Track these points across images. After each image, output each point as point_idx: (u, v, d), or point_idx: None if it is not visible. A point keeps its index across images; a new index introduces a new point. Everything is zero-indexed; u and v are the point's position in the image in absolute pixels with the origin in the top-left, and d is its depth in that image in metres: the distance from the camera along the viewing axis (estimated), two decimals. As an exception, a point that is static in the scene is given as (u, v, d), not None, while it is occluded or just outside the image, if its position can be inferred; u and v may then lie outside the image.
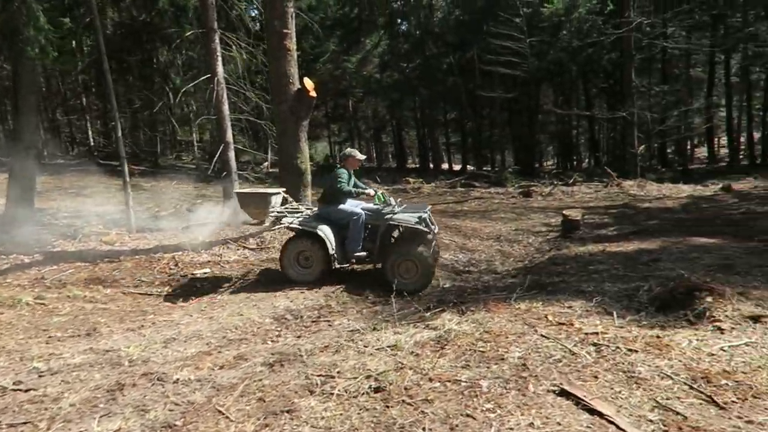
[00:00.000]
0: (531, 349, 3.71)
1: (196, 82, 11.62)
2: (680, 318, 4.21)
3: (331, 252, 6.10)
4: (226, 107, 10.09)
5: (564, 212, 9.38)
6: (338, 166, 6.72)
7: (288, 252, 6.30)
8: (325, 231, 6.13)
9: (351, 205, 6.47)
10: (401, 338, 4.12)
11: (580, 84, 28.73)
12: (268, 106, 10.95)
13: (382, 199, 6.41)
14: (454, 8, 27.15)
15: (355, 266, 7.05)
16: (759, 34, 23.51)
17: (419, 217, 6.23)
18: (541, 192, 15.47)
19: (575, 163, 32.42)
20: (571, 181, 16.68)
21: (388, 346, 4.00)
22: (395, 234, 6.76)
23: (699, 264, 6.22)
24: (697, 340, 3.70)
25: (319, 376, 3.53)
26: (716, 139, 33.84)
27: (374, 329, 4.56)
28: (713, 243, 7.71)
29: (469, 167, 28.36)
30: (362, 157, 6.81)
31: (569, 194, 15.09)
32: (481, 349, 3.77)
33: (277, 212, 6.66)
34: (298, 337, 4.78)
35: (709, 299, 4.28)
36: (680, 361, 3.39)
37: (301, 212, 6.64)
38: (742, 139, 30.77)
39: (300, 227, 6.23)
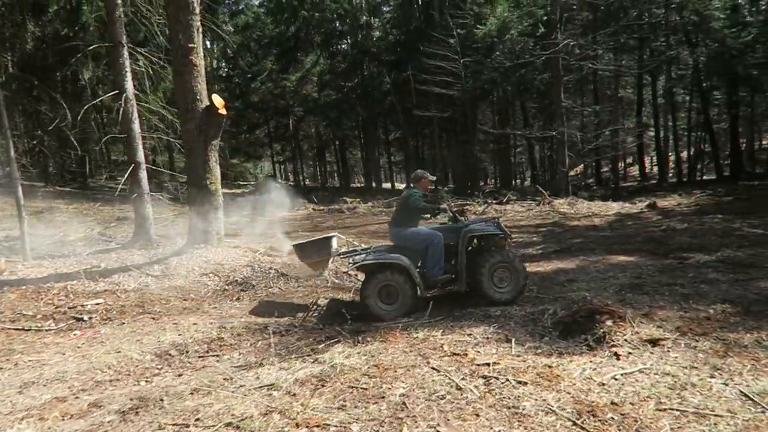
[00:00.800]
0: (416, 384, 3.42)
1: (101, 98, 10.97)
2: (581, 343, 4.05)
3: (417, 280, 5.58)
4: (136, 125, 9.53)
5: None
6: (411, 187, 6.42)
7: (369, 290, 5.57)
8: (405, 260, 5.59)
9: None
10: (283, 375, 3.77)
11: (517, 104, 29.46)
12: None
13: (452, 216, 6.02)
14: (390, 28, 27.37)
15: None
16: (681, 58, 24.81)
17: (496, 225, 5.93)
18: (474, 212, 15.48)
19: (517, 182, 33.12)
20: (505, 199, 16.82)
21: (266, 385, 3.64)
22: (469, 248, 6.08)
23: (612, 284, 6.18)
24: (591, 368, 3.52)
25: (173, 425, 3.12)
26: (648, 158, 35.38)
27: (260, 365, 4.17)
28: (630, 261, 7.75)
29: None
30: (433, 178, 6.32)
31: (502, 213, 15.17)
32: (363, 386, 3.46)
33: (345, 252, 6.11)
34: (179, 375, 4.32)
35: (609, 323, 4.14)
36: (569, 393, 3.18)
37: (362, 249, 6.03)
38: (672, 158, 32.26)
39: (378, 261, 5.62)
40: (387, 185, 35.72)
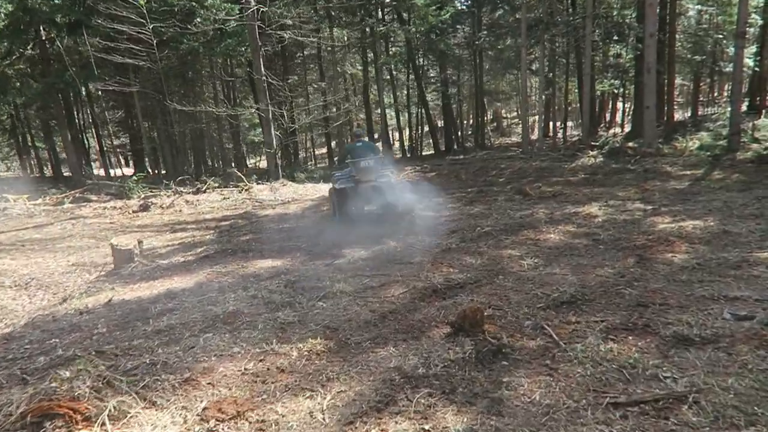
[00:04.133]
0: None
1: None
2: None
3: None
4: None
5: (113, 242, 7.20)
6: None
7: None
8: None
9: None
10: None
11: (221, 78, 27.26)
12: None
13: None
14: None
15: None
16: (396, 35, 25.57)
17: None
18: (161, 204, 13.18)
19: (245, 165, 31.13)
20: (205, 187, 14.82)
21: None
22: None
23: (206, 315, 4.66)
24: None
25: None
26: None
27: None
28: (276, 266, 6.46)
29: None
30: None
31: (194, 204, 13.18)
32: None
33: None
34: None
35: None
36: None
37: None
38: (406, 134, 33.75)
39: None
40: (117, 171, 30.74)
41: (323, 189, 15.44)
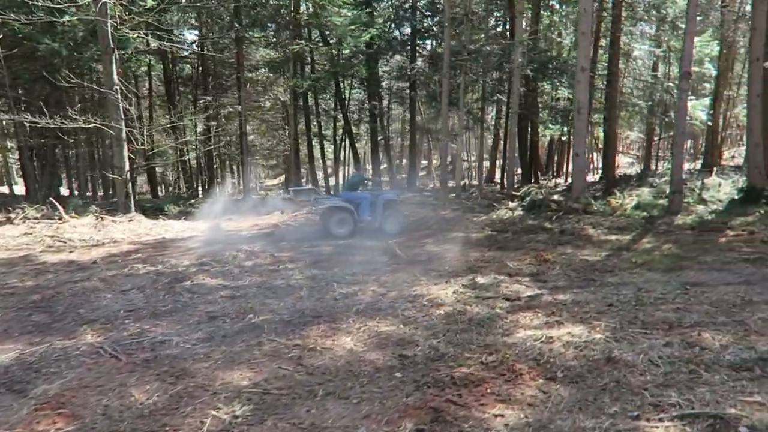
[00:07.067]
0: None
1: None
2: None
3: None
4: None
5: None
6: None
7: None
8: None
9: None
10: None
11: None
12: None
13: None
14: None
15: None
16: (322, 58, 23.13)
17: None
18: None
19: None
20: (21, 216, 11.75)
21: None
22: None
23: None
24: None
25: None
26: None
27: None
28: None
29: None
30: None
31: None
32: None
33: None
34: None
35: None
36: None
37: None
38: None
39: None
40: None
41: (178, 229, 12.57)
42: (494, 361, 3.88)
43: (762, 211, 10.95)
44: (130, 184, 13.57)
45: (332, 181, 29.61)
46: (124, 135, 13.03)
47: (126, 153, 13.21)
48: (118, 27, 12.75)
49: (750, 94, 12.84)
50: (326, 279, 6.63)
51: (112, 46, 12.76)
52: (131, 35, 12.73)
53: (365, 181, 12.00)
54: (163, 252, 9.30)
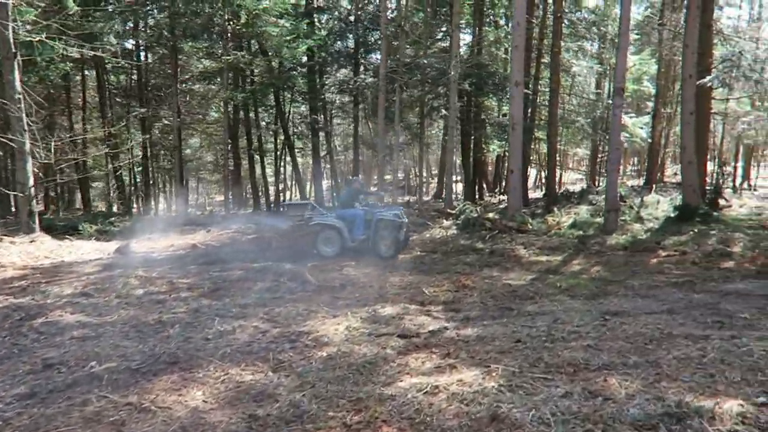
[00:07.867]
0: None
1: None
2: None
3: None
4: None
5: None
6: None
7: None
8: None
9: None
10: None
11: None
12: None
13: None
14: None
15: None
16: (259, 69, 22.39)
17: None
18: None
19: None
20: None
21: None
22: None
23: None
24: None
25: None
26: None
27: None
28: None
29: None
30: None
31: None
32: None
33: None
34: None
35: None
36: None
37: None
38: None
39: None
40: None
41: (84, 251, 11.55)
42: (360, 421, 3.22)
43: (695, 230, 10.75)
44: (34, 201, 12.42)
45: (287, 195, 28.69)
46: (27, 148, 11.94)
47: (30, 167, 12.10)
48: (27, 31, 11.71)
49: (683, 112, 12.76)
50: (211, 312, 5.84)
51: (14, 50, 11.72)
52: (35, 39, 11.67)
53: (361, 196, 10.90)
54: (51, 279, 8.31)
